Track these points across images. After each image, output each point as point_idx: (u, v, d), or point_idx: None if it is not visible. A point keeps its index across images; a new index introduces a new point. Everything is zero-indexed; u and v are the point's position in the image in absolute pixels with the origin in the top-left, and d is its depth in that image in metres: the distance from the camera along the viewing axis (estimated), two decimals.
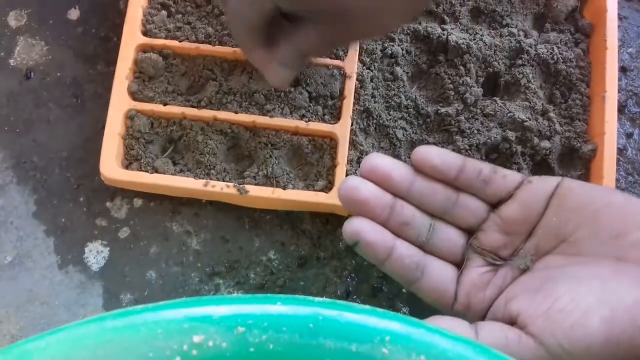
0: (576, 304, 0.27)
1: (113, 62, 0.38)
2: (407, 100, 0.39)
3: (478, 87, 0.39)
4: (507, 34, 0.40)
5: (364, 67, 0.39)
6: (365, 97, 0.38)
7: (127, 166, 0.37)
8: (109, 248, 0.38)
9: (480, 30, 0.40)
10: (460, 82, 0.39)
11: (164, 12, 0.39)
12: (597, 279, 0.28)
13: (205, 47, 0.38)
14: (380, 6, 0.30)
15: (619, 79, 0.41)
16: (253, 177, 0.37)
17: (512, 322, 0.29)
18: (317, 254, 0.38)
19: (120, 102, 0.37)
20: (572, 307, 0.27)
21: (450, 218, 0.33)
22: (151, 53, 0.38)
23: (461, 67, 0.39)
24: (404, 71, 0.40)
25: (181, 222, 0.38)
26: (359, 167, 0.33)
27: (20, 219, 0.38)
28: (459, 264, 0.33)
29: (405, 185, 0.32)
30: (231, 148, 0.38)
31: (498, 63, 0.40)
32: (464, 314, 0.32)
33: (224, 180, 0.36)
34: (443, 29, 0.40)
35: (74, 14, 0.42)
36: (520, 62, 0.40)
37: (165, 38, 0.39)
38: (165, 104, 0.38)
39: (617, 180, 0.40)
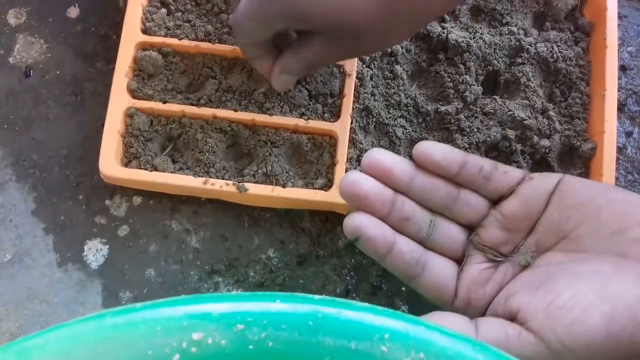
0: (577, 300, 0.27)
1: (112, 60, 0.38)
2: (406, 98, 0.39)
3: (478, 86, 0.39)
4: (507, 32, 0.40)
5: (364, 66, 0.39)
6: (365, 95, 0.38)
7: (127, 164, 0.37)
8: (108, 246, 0.38)
9: (480, 28, 0.40)
10: (460, 80, 0.39)
11: (163, 10, 0.39)
12: (597, 275, 0.28)
13: (205, 45, 0.38)
14: (388, 27, 0.31)
15: (619, 78, 0.41)
16: (252, 175, 0.37)
17: (512, 318, 0.29)
18: (317, 252, 0.38)
19: (119, 100, 0.37)
20: (572, 303, 0.27)
21: (451, 214, 0.33)
22: (151, 51, 0.38)
23: (461, 66, 0.39)
24: (403, 69, 0.40)
25: (180, 220, 0.38)
26: (359, 165, 0.33)
27: (19, 217, 0.38)
28: (460, 260, 0.33)
29: (406, 180, 0.32)
30: (231, 146, 0.38)
31: (498, 61, 0.40)
32: (464, 310, 0.32)
33: (223, 178, 0.36)
34: (443, 28, 0.40)
35: (73, 12, 0.42)
36: (520, 60, 0.40)
37: (165, 36, 0.39)
38: (164, 102, 0.38)
39: (617, 178, 0.40)
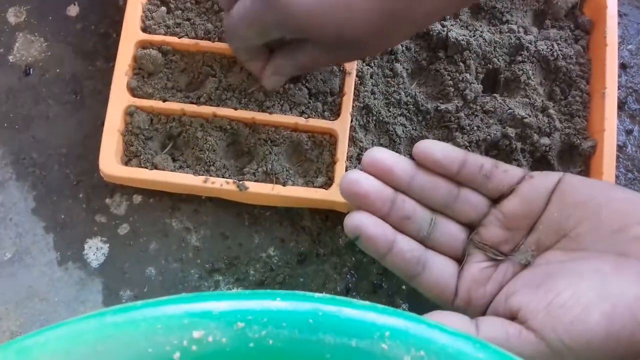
0: (577, 299, 0.27)
1: (112, 58, 0.38)
2: (406, 96, 0.39)
3: (478, 84, 0.39)
4: (507, 30, 0.40)
5: (364, 64, 0.39)
6: (365, 93, 0.38)
7: (127, 162, 0.37)
8: (108, 244, 0.38)
9: (480, 26, 0.40)
10: (460, 78, 0.39)
11: (163, 9, 0.39)
12: (597, 274, 0.28)
13: (205, 44, 0.38)
14: (388, 35, 0.31)
15: (619, 76, 0.41)
16: (253, 174, 0.37)
17: (512, 317, 0.29)
18: (317, 251, 0.38)
19: (119, 99, 0.37)
20: (572, 302, 0.27)
21: (452, 213, 0.33)
22: (150, 49, 0.38)
23: (461, 64, 0.39)
24: (403, 68, 0.40)
25: (181, 219, 0.38)
26: (359, 163, 0.33)
27: (19, 216, 0.38)
28: (460, 259, 0.33)
29: (407, 179, 0.32)
30: (231, 144, 0.38)
31: (498, 59, 0.40)
32: (465, 309, 0.32)
33: (223, 177, 0.36)
34: (443, 26, 0.40)
35: (73, 10, 0.42)
36: (520, 58, 0.40)
37: (165, 34, 0.39)
38: (164, 101, 0.38)
39: (617, 177, 0.40)
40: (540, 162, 0.39)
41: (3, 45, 0.41)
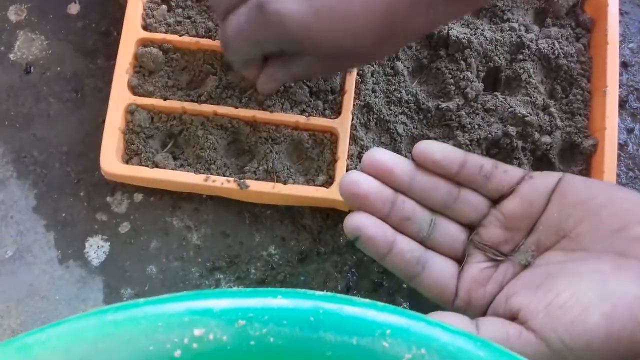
0: (577, 299, 0.27)
1: (113, 56, 0.38)
2: (407, 95, 0.39)
3: (479, 82, 0.39)
4: (508, 28, 0.40)
5: None
6: (366, 91, 0.38)
7: (128, 161, 0.37)
8: (109, 243, 0.38)
9: (481, 24, 0.40)
10: (461, 77, 0.39)
11: (164, 7, 0.39)
12: (597, 274, 0.28)
13: (206, 42, 0.38)
14: (387, 45, 0.31)
15: (620, 74, 0.41)
16: (253, 172, 0.37)
17: (512, 317, 0.29)
18: (318, 249, 0.38)
19: (120, 97, 0.37)
20: (572, 302, 0.27)
21: (452, 213, 0.33)
22: (151, 47, 0.38)
23: (462, 62, 0.39)
24: (404, 66, 0.40)
25: (181, 217, 0.38)
26: (360, 162, 0.33)
27: (20, 214, 0.38)
28: (460, 260, 0.33)
29: (407, 180, 0.32)
30: (231, 143, 0.38)
31: (499, 58, 0.40)
32: (465, 309, 0.32)
33: (224, 175, 0.36)
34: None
35: (74, 8, 0.42)
36: (521, 57, 0.40)
37: (166, 32, 0.39)
38: (165, 99, 0.38)
39: (618, 175, 0.40)
40: (541, 161, 0.39)
41: (4, 44, 0.41)
